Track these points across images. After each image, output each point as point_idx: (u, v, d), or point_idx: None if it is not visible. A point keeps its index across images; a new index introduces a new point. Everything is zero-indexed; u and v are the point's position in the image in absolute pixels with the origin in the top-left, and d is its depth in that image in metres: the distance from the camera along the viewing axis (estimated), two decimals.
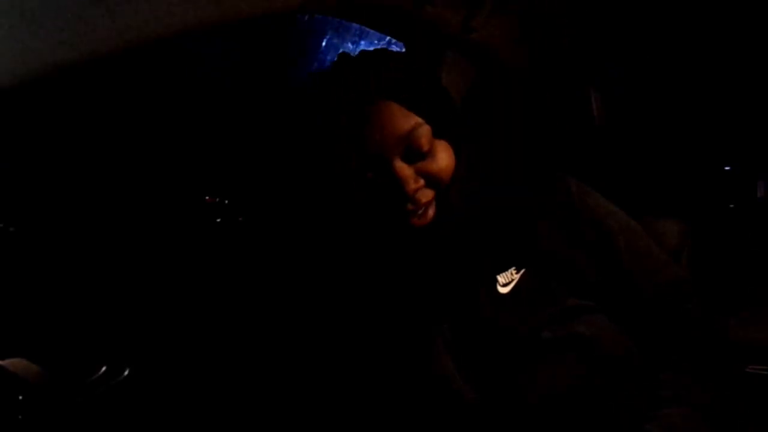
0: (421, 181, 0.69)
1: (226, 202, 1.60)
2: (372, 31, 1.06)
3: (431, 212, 0.70)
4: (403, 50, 1.06)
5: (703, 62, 1.29)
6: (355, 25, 1.02)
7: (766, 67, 1.24)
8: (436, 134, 0.70)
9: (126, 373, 0.98)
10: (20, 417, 0.77)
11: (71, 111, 1.40)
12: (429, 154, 0.69)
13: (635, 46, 1.27)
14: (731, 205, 1.48)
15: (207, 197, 1.60)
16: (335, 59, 0.75)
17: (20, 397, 0.78)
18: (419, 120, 0.68)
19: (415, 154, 0.68)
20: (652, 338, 0.70)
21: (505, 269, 0.71)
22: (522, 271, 0.70)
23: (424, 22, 0.97)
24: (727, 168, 1.53)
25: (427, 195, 0.69)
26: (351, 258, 0.85)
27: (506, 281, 0.70)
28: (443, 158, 0.70)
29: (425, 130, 0.68)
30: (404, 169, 0.68)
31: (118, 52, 0.55)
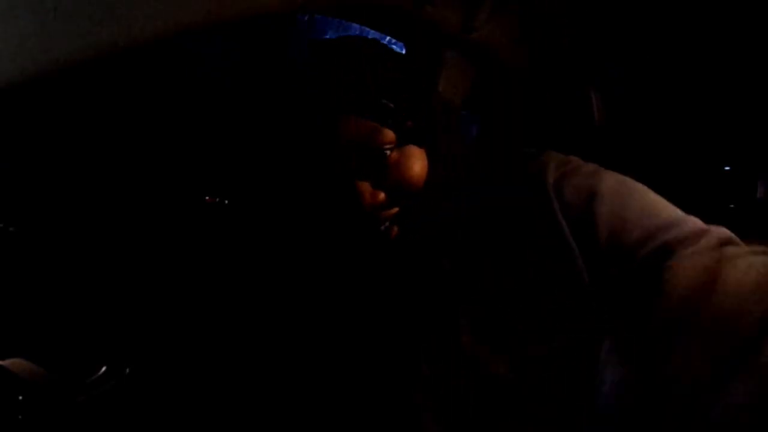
0: (381, 195, 0.63)
1: (226, 202, 1.60)
2: (372, 31, 1.06)
3: (395, 228, 0.64)
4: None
5: (703, 62, 1.29)
6: (355, 25, 1.02)
7: (766, 67, 1.23)
8: (404, 140, 0.64)
9: (126, 372, 0.97)
10: (20, 417, 0.77)
11: (71, 111, 1.40)
12: (391, 163, 0.63)
13: (635, 46, 1.27)
14: (731, 205, 1.48)
15: (207, 197, 1.59)
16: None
17: (20, 397, 0.78)
18: (374, 126, 0.62)
19: (374, 165, 0.63)
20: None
21: (486, 297, 0.62)
22: (507, 300, 0.61)
23: (424, 22, 0.97)
24: (727, 168, 1.52)
25: (388, 210, 0.64)
26: (327, 272, 0.82)
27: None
28: (409, 167, 0.64)
29: (384, 138, 0.62)
30: (360, 183, 0.62)
31: (117, 52, 0.55)
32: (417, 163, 0.65)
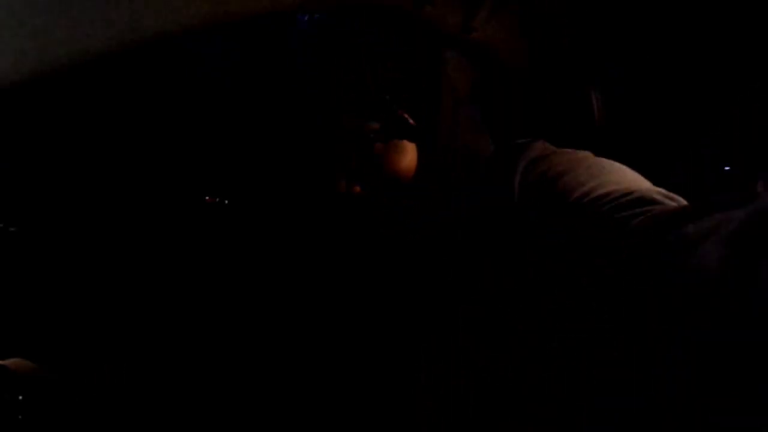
0: (356, 189, 0.63)
1: (226, 202, 1.60)
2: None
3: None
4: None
5: (703, 62, 1.29)
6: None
7: (766, 67, 1.23)
8: (394, 133, 0.64)
9: (126, 372, 0.97)
10: (20, 417, 0.77)
11: (71, 111, 1.40)
12: (375, 154, 0.63)
13: (635, 46, 1.27)
14: None
15: (207, 197, 1.59)
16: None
17: (20, 397, 0.78)
18: (363, 118, 0.62)
19: (358, 153, 0.63)
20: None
21: (486, 297, 0.61)
22: (507, 300, 0.60)
23: (424, 22, 0.97)
24: (726, 168, 1.52)
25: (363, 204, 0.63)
26: (327, 272, 0.82)
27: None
28: (397, 161, 0.64)
29: (368, 126, 0.62)
30: (341, 183, 0.63)
31: (117, 52, 0.55)
32: (405, 157, 0.64)
